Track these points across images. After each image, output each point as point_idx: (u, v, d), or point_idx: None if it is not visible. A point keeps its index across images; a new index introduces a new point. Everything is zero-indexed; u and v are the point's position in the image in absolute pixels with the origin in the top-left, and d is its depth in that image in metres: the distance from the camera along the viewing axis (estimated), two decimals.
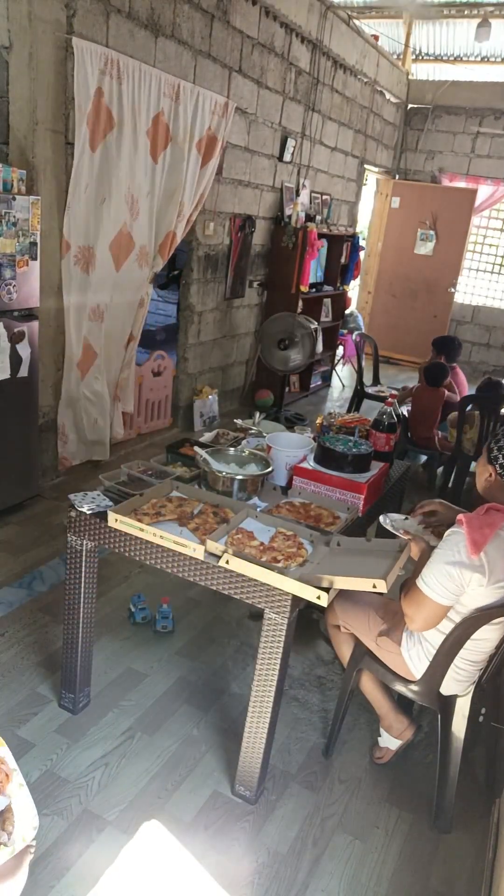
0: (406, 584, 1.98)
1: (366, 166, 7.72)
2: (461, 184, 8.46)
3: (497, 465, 1.92)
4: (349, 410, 5.59)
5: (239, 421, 3.03)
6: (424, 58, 8.97)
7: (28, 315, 3.35)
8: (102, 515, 2.07)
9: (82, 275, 3.73)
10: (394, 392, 4.61)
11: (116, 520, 2.01)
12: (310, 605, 1.94)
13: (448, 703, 2.07)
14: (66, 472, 4.05)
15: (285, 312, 5.37)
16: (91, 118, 3.44)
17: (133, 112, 3.70)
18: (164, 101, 3.91)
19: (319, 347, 5.36)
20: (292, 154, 5.81)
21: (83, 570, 2.17)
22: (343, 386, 7.49)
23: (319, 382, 7.23)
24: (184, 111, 4.07)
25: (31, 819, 1.22)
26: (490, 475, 1.95)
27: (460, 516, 1.83)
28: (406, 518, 2.21)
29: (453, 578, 1.80)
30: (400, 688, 2.09)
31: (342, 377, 7.68)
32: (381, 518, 2.19)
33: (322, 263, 6.60)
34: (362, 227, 8.72)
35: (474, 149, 8.37)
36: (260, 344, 5.21)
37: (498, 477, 1.93)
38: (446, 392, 4.55)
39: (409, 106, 8.47)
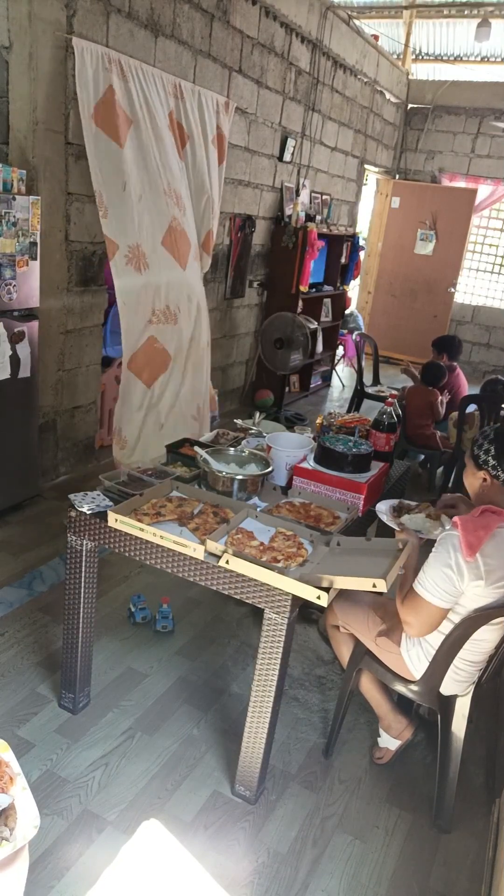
0: (401, 589, 1.97)
1: (366, 166, 7.73)
2: (461, 184, 8.46)
3: (489, 468, 1.92)
4: (349, 410, 5.59)
5: (239, 421, 3.03)
6: (424, 58, 8.97)
7: (28, 315, 3.35)
8: (102, 515, 2.07)
9: (135, 273, 3.63)
10: (393, 392, 4.62)
11: (116, 520, 2.01)
12: (309, 605, 1.94)
13: (448, 704, 2.07)
14: (68, 471, 4.03)
15: (284, 312, 5.37)
16: (107, 116, 3.39)
17: (149, 108, 3.66)
18: (170, 100, 3.89)
19: (319, 347, 5.36)
20: (292, 154, 5.81)
21: (83, 570, 2.17)
22: (343, 386, 7.49)
23: (319, 382, 7.24)
24: (191, 109, 4.05)
25: (33, 818, 1.25)
26: (485, 479, 1.95)
27: (455, 518, 1.83)
28: (416, 511, 2.22)
29: (450, 581, 1.80)
30: (400, 688, 2.09)
31: (342, 377, 7.68)
32: (378, 507, 2.20)
33: (322, 263, 6.60)
34: (362, 227, 8.72)
35: (474, 149, 8.37)
36: (259, 344, 5.21)
37: (493, 479, 1.93)
38: (439, 394, 4.55)
39: (409, 106, 8.47)
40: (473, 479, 1.99)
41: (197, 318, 4.11)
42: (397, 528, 2.05)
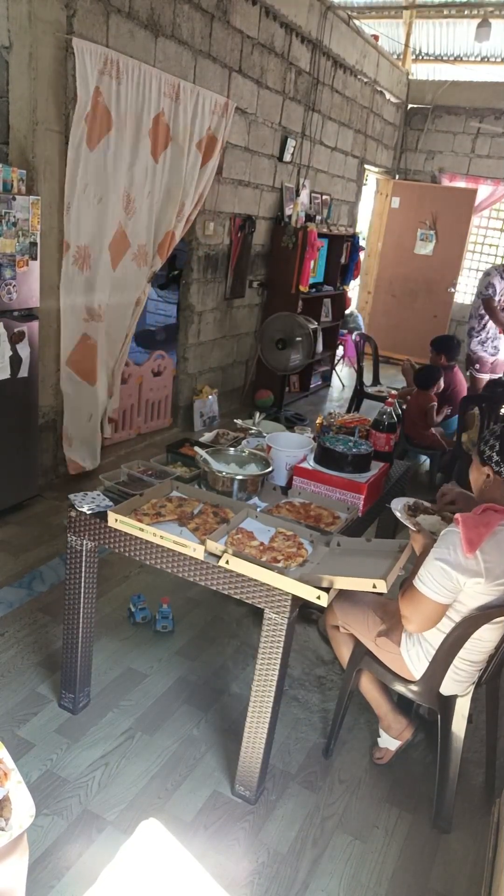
0: (404, 585, 1.98)
1: (366, 166, 7.72)
2: (461, 184, 8.46)
3: (493, 464, 1.94)
4: (349, 410, 5.59)
5: (239, 421, 3.03)
6: (424, 58, 8.97)
7: (28, 315, 3.35)
8: (102, 515, 2.07)
9: (80, 274, 3.72)
10: (393, 392, 4.61)
11: (116, 520, 2.01)
12: (309, 605, 1.94)
13: (448, 704, 2.07)
14: (74, 476, 4.03)
15: (284, 312, 5.37)
16: (90, 118, 3.44)
17: (133, 112, 3.70)
18: (164, 102, 3.91)
19: (319, 347, 5.36)
20: (292, 154, 5.81)
21: (83, 570, 2.17)
22: (343, 386, 7.49)
23: (319, 382, 7.24)
24: (184, 111, 4.07)
25: (29, 808, 1.28)
26: (488, 476, 1.96)
27: (457, 515, 1.84)
28: (429, 513, 2.21)
29: (449, 576, 1.80)
30: (400, 688, 2.09)
31: (342, 377, 7.68)
32: (394, 503, 2.18)
33: (322, 263, 6.60)
34: (362, 227, 8.72)
35: (474, 149, 8.37)
36: (259, 344, 5.21)
37: (496, 476, 1.94)
38: (434, 400, 4.56)
39: (409, 106, 8.47)
40: (478, 475, 2.00)
41: (126, 313, 4.21)
42: (413, 528, 2.04)
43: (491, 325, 5.48)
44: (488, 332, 5.54)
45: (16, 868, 1.28)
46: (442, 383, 4.63)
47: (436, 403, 4.53)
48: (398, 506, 2.18)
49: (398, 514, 2.14)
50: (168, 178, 4.13)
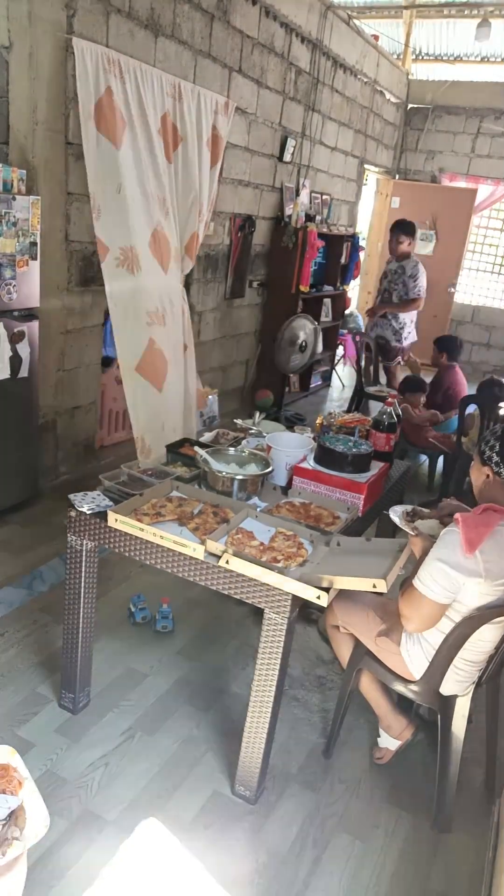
0: (404, 585, 1.98)
1: (366, 166, 7.72)
2: (461, 184, 8.46)
3: (493, 465, 1.94)
4: (349, 410, 5.59)
5: (239, 421, 3.03)
6: (424, 58, 8.97)
7: (28, 315, 3.35)
8: (102, 515, 2.07)
9: (128, 275, 3.63)
10: (393, 392, 4.62)
11: (116, 520, 2.01)
12: (309, 605, 1.94)
13: (448, 704, 2.07)
14: (68, 471, 4.03)
15: (301, 314, 5.40)
16: (103, 117, 3.38)
17: (142, 111, 3.66)
18: (167, 101, 3.89)
19: (319, 347, 5.37)
20: (292, 154, 5.80)
21: (83, 570, 2.17)
22: (343, 386, 7.49)
23: (319, 382, 7.24)
24: (188, 111, 4.05)
25: (43, 818, 1.30)
26: (488, 476, 1.97)
27: (456, 515, 1.84)
28: (426, 518, 2.21)
29: (448, 576, 1.80)
30: (400, 688, 2.09)
31: (342, 377, 7.68)
32: (393, 509, 2.19)
33: (322, 263, 6.60)
34: (362, 227, 8.72)
35: (474, 149, 8.37)
36: (274, 344, 5.19)
37: (496, 476, 1.94)
38: (439, 414, 4.64)
39: (409, 106, 8.47)
40: (478, 474, 2.01)
41: (181, 320, 4.14)
42: (412, 533, 2.05)
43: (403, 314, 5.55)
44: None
45: (15, 883, 1.28)
46: (423, 398, 4.79)
47: (409, 406, 4.62)
48: (397, 512, 2.18)
49: (397, 521, 2.14)
50: (183, 179, 4.09)
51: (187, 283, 4.94)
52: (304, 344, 5.13)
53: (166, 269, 3.86)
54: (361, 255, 7.47)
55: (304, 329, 5.15)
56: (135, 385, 3.75)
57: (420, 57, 8.93)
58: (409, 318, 5.60)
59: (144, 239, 3.74)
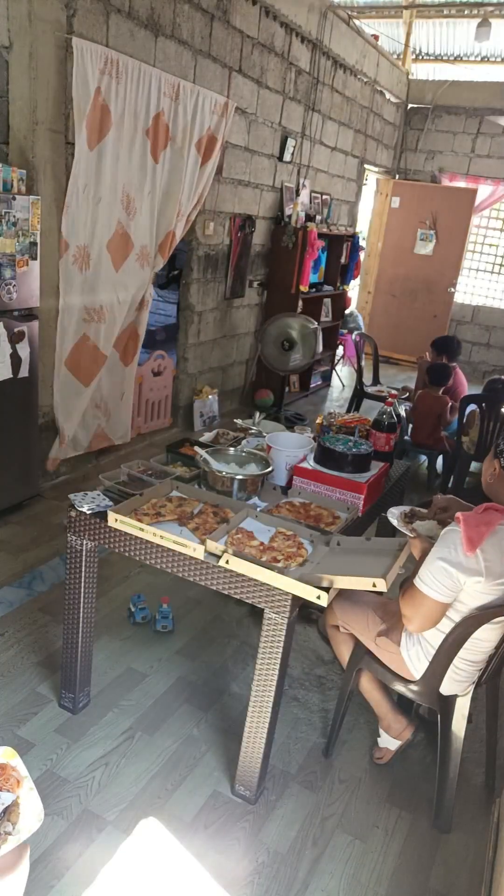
0: (404, 585, 1.98)
1: (366, 166, 7.72)
2: (461, 184, 8.46)
3: (501, 459, 1.94)
4: (349, 410, 5.59)
5: (239, 421, 3.03)
6: (424, 58, 8.97)
7: (28, 315, 3.35)
8: (102, 515, 2.07)
9: (79, 274, 3.71)
10: (393, 392, 4.61)
11: (116, 520, 2.01)
12: (309, 605, 1.94)
13: (448, 703, 2.07)
14: (68, 471, 4.04)
15: (286, 312, 5.38)
16: (90, 118, 3.44)
17: (133, 112, 3.70)
18: (163, 101, 3.90)
19: (319, 347, 5.37)
20: (292, 154, 5.81)
21: (83, 570, 2.17)
22: (343, 386, 7.49)
23: (319, 382, 7.24)
24: (183, 111, 4.07)
25: (38, 812, 1.30)
26: (495, 469, 1.97)
27: (458, 514, 1.84)
28: (424, 519, 2.21)
29: (450, 575, 1.80)
30: (399, 688, 2.09)
31: (342, 377, 7.68)
32: (390, 511, 2.19)
33: (322, 263, 6.60)
34: (362, 227, 8.72)
35: (474, 149, 8.37)
36: (260, 344, 5.21)
37: (502, 470, 1.94)
38: (449, 401, 4.55)
39: (409, 106, 8.47)
40: (488, 466, 2.01)
41: (134, 315, 4.24)
42: (410, 535, 2.05)
43: None
44: None
45: (17, 883, 1.30)
46: (452, 381, 4.64)
47: (450, 403, 4.53)
48: (395, 512, 2.18)
49: (395, 523, 2.14)
50: (168, 178, 4.13)
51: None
52: (285, 344, 5.13)
53: (118, 267, 3.94)
54: (361, 254, 7.47)
55: (291, 328, 5.15)
56: (63, 378, 3.84)
57: (420, 57, 8.93)
58: None
59: (104, 238, 3.80)
